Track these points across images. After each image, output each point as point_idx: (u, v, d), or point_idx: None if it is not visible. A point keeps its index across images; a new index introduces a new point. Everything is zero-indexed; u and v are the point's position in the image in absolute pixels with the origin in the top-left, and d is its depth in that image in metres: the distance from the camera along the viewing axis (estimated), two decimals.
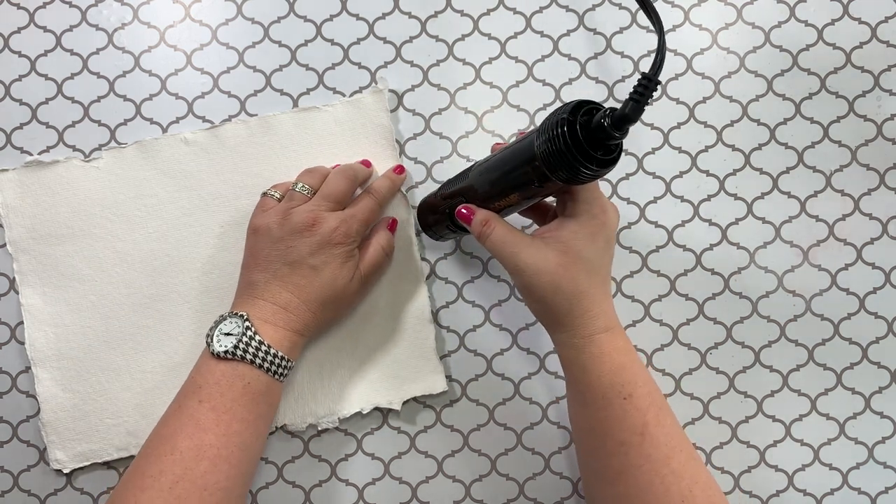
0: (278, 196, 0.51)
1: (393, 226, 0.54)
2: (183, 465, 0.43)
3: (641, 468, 0.42)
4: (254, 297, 0.48)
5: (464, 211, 0.46)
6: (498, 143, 0.49)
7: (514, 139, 0.48)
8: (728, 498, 0.54)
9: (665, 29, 0.56)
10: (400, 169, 0.55)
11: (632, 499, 0.43)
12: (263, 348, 0.46)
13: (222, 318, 0.47)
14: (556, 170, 0.39)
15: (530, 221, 0.54)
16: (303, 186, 0.51)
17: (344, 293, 0.50)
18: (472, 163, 0.49)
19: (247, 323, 0.46)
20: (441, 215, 0.50)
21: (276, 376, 0.47)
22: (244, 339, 0.46)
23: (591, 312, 0.43)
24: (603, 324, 0.44)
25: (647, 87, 0.36)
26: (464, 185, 0.48)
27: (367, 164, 0.55)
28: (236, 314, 0.47)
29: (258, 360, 0.46)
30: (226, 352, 0.45)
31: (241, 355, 0.45)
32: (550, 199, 0.49)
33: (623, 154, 0.55)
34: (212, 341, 0.46)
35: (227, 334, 0.46)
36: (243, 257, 0.51)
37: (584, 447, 0.46)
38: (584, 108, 0.39)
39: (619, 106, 0.36)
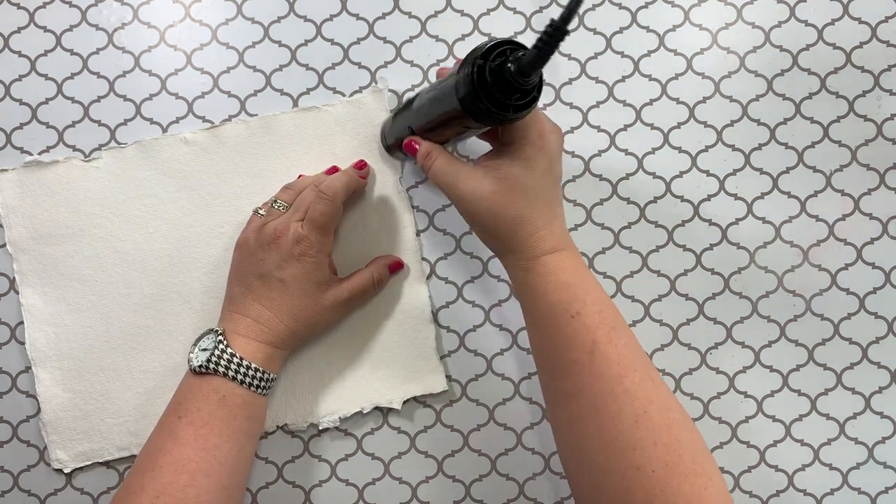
0: (264, 213, 0.51)
1: (395, 267, 0.54)
2: (163, 479, 0.43)
3: (593, 387, 0.41)
4: (231, 311, 0.49)
5: (414, 145, 0.47)
6: (443, 69, 0.48)
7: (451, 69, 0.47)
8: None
9: (665, 29, 0.56)
10: (361, 164, 0.54)
11: (585, 419, 0.41)
12: (236, 360, 0.46)
13: (202, 335, 0.48)
14: (476, 116, 0.38)
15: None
16: (279, 203, 0.51)
17: (315, 306, 0.49)
18: (417, 92, 0.48)
19: (219, 337, 0.47)
20: (397, 141, 0.51)
21: (254, 389, 0.47)
22: (216, 352, 0.46)
23: (537, 235, 0.43)
24: (550, 245, 0.44)
25: (552, 35, 0.33)
26: (408, 117, 0.48)
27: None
28: (213, 330, 0.48)
29: (231, 373, 0.46)
30: (200, 366, 0.46)
31: (213, 368, 0.46)
32: None
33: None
34: (191, 357, 0.47)
35: (203, 349, 0.47)
36: (229, 272, 0.52)
37: (541, 370, 0.46)
38: (496, 51, 0.37)
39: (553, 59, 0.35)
